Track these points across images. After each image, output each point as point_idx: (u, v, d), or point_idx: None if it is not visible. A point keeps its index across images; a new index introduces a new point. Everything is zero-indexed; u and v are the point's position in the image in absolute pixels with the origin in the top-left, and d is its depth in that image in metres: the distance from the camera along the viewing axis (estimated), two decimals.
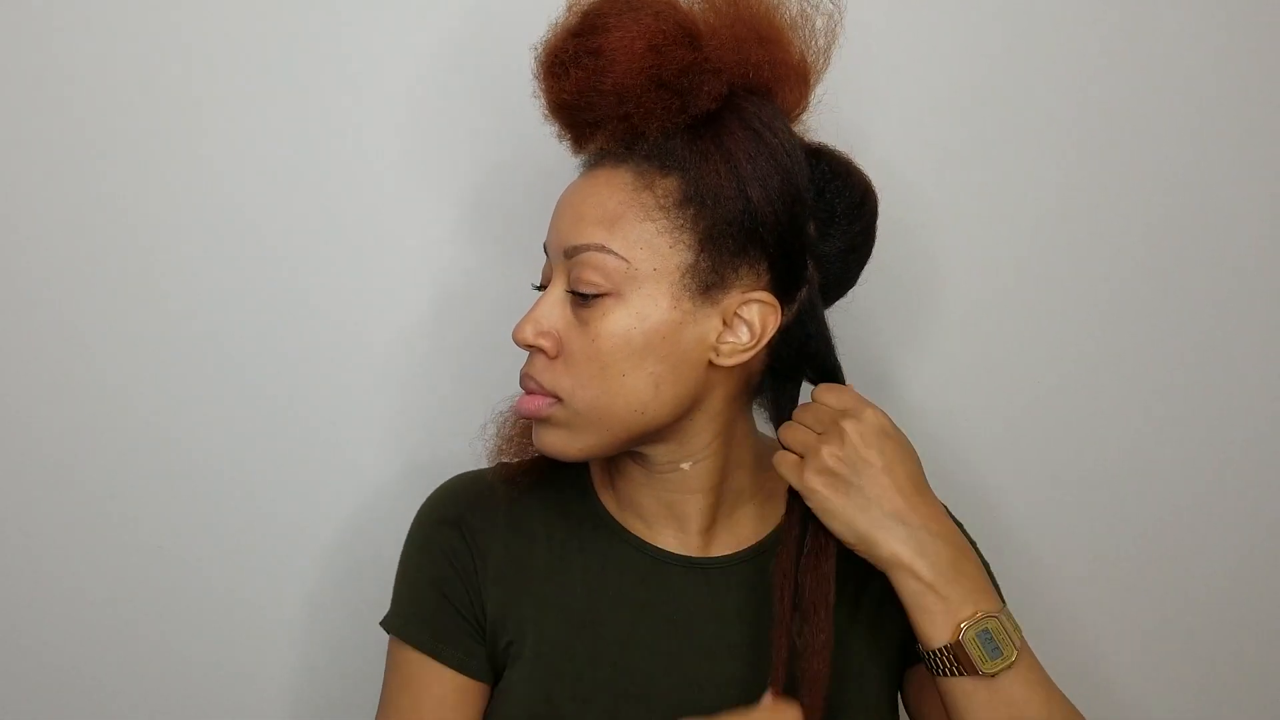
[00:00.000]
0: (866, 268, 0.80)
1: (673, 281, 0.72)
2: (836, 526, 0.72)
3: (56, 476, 0.98)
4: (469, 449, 0.84)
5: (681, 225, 0.72)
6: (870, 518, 0.71)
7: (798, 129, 0.80)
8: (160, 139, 0.96)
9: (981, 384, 1.09)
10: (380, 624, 0.83)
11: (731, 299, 0.73)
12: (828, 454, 0.71)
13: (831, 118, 0.82)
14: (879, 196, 0.79)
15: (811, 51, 0.78)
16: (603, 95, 0.71)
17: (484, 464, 0.84)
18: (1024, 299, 1.07)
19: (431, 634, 0.80)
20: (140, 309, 0.97)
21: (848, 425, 0.72)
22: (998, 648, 0.69)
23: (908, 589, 0.71)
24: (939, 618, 0.70)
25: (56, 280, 0.96)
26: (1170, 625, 1.11)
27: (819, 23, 0.78)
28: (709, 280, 0.72)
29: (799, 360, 0.77)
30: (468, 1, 0.96)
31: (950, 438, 1.07)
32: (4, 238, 0.95)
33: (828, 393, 0.75)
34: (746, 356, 0.74)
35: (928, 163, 1.04)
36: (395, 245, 0.99)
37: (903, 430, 0.75)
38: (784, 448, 0.75)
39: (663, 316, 0.72)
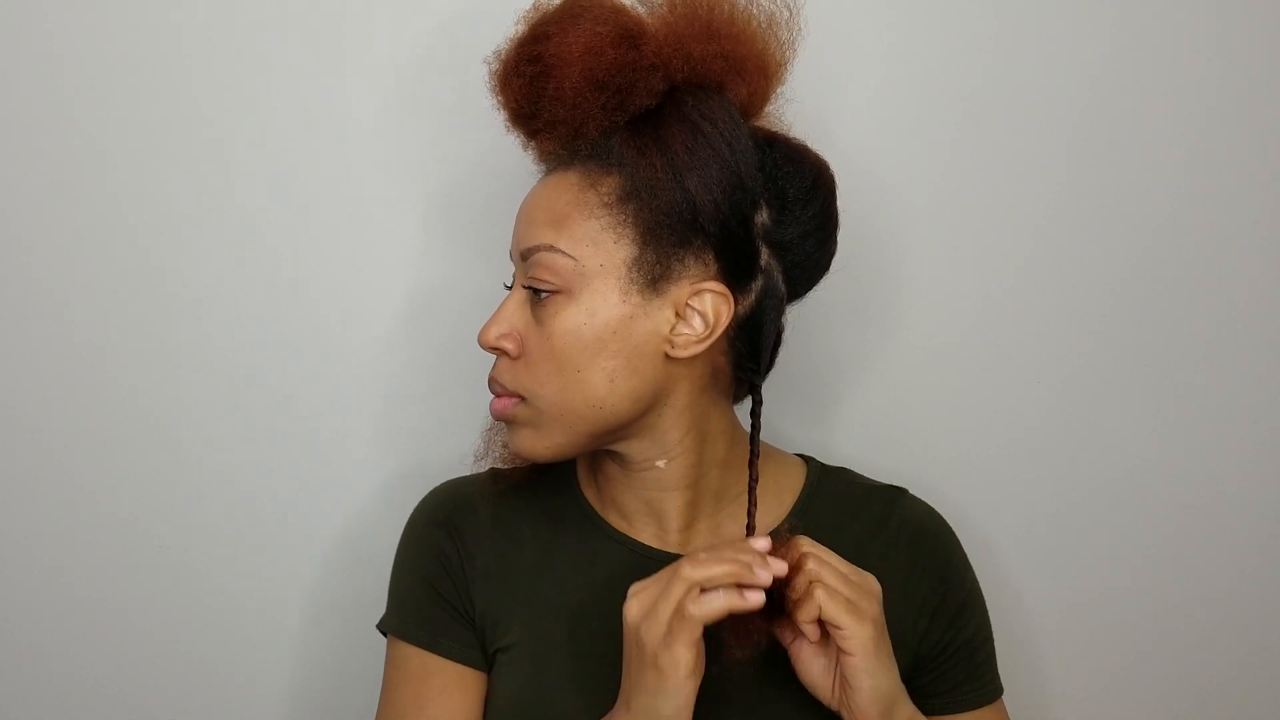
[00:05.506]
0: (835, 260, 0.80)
1: (620, 276, 0.73)
2: (867, 684, 0.69)
3: (52, 477, 1.00)
4: (456, 451, 0.86)
5: (623, 220, 0.73)
6: (894, 682, 0.71)
7: (763, 122, 0.80)
8: (145, 144, 0.97)
9: (947, 383, 1.05)
10: (377, 626, 0.86)
11: (681, 290, 0.74)
12: (876, 611, 0.70)
13: (800, 113, 0.82)
14: (837, 182, 0.79)
15: (775, 46, 0.78)
16: (544, 100, 0.73)
17: (470, 468, 0.86)
18: (996, 300, 1.05)
19: (428, 630, 0.82)
20: (134, 314, 0.99)
21: (874, 588, 0.71)
22: None
23: None
24: None
25: (43, 282, 0.98)
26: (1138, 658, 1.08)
27: (783, 17, 0.78)
28: (655, 273, 0.73)
29: (754, 353, 0.77)
30: (439, 10, 0.98)
31: (912, 444, 1.05)
32: None
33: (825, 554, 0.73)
34: (702, 347, 0.74)
35: (896, 159, 1.02)
36: (373, 250, 1.00)
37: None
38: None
39: (612, 311, 0.73)
